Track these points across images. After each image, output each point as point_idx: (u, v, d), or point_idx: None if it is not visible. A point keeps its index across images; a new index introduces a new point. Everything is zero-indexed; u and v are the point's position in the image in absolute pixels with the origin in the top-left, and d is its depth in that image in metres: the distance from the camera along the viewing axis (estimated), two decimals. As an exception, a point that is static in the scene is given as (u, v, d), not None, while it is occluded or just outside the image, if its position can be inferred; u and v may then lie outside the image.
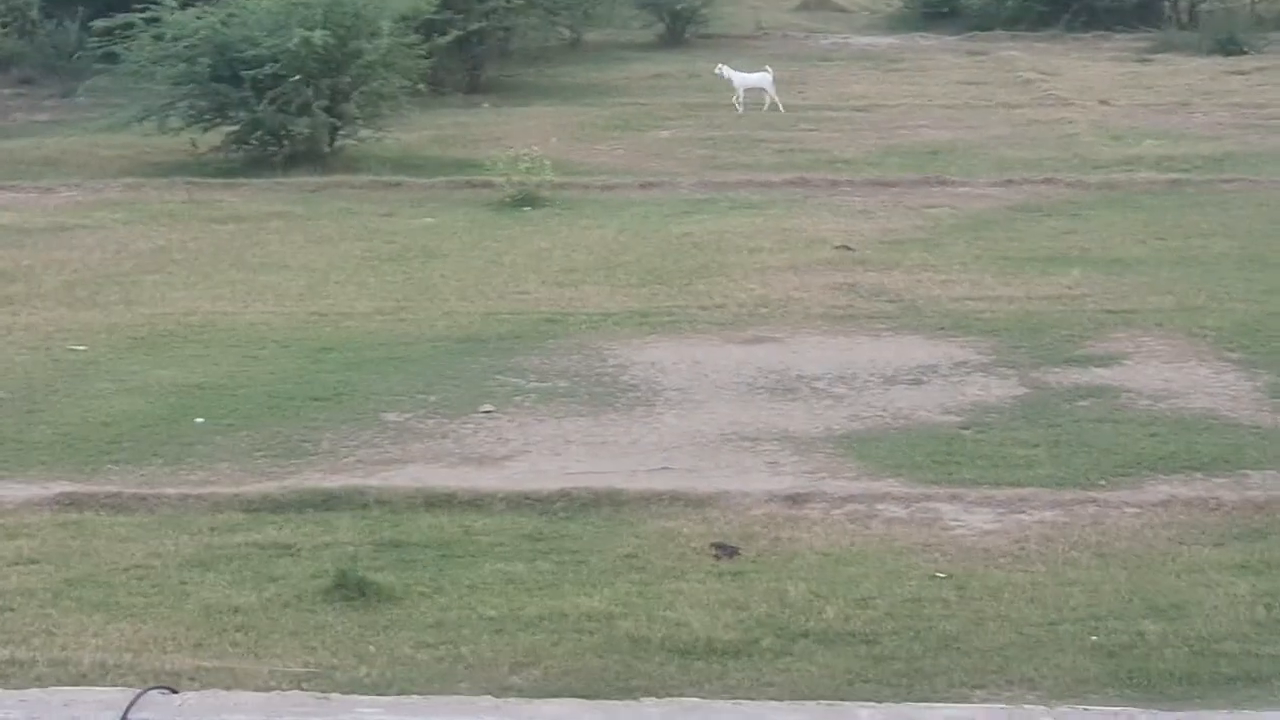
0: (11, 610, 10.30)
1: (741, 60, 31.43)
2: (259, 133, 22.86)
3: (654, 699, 6.74)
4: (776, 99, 26.94)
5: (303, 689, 7.94)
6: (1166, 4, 34.74)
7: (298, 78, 22.49)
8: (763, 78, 27.12)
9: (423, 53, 24.60)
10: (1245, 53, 31.72)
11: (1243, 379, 14.03)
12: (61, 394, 13.79)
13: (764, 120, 26.23)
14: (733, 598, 10.01)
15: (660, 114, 26.55)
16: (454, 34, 26.49)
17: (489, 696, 6.91)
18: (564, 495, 11.27)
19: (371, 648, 9.21)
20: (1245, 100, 27.58)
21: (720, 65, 27.24)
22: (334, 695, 6.93)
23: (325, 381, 13.67)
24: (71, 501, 11.66)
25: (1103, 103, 27.76)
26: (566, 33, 31.24)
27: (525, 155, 21.16)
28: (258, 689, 7.82)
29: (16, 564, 10.69)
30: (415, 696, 7.29)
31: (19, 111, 27.44)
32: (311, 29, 22.08)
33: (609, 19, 32.08)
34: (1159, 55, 31.70)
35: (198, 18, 23.74)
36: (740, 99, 26.72)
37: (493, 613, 9.65)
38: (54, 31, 28.62)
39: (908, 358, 14.47)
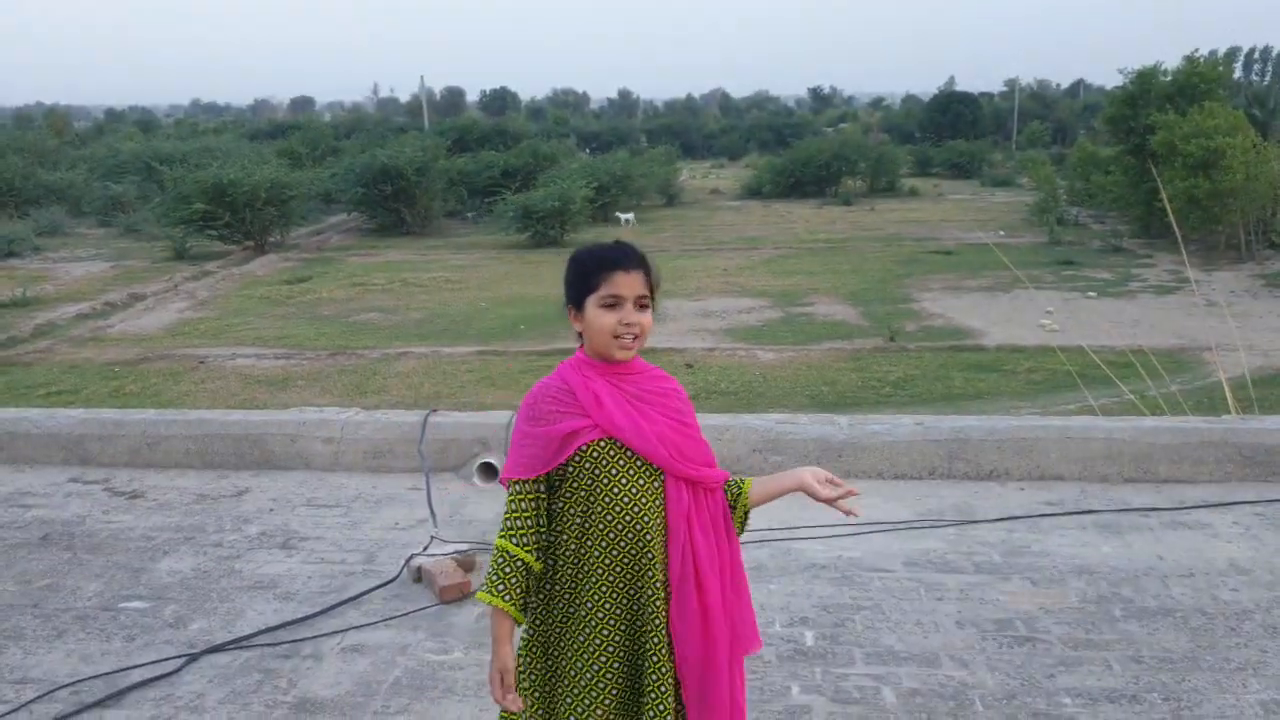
0: (463, 387, 10.30)
1: (692, 211, 31.18)
2: (534, 233, 22.82)
3: None
4: (635, 223, 26.52)
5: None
6: (829, 189, 34.30)
7: (553, 215, 22.55)
8: (630, 216, 26.78)
9: (589, 206, 24.51)
10: (851, 204, 31.40)
11: (853, 310, 14.00)
12: (475, 319, 13.71)
13: (707, 226, 25.97)
14: (692, 380, 10.09)
15: (668, 226, 26.32)
16: (600, 201, 26.35)
17: None
18: (637, 349, 11.39)
19: None
20: (854, 221, 27.26)
21: (618, 213, 26.77)
22: None
23: (557, 316, 13.72)
24: (480, 352, 11.64)
25: (805, 221, 27.53)
26: (639, 200, 30.73)
27: (623, 241, 21.29)
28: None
29: (457, 374, 10.72)
30: None
31: (459, 228, 27.22)
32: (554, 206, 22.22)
33: (648, 195, 31.75)
34: (825, 205, 31.30)
35: (518, 193, 23.64)
36: (626, 223, 26.36)
37: None
38: (466, 199, 28.40)
39: (742, 305, 14.42)
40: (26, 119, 68.93)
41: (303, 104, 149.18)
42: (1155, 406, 7.97)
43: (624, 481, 2.28)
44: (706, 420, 5.67)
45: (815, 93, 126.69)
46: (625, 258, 2.28)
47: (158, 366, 12.66)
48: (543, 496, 2.30)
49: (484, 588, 2.29)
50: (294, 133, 44.55)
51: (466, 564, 4.33)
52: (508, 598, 2.28)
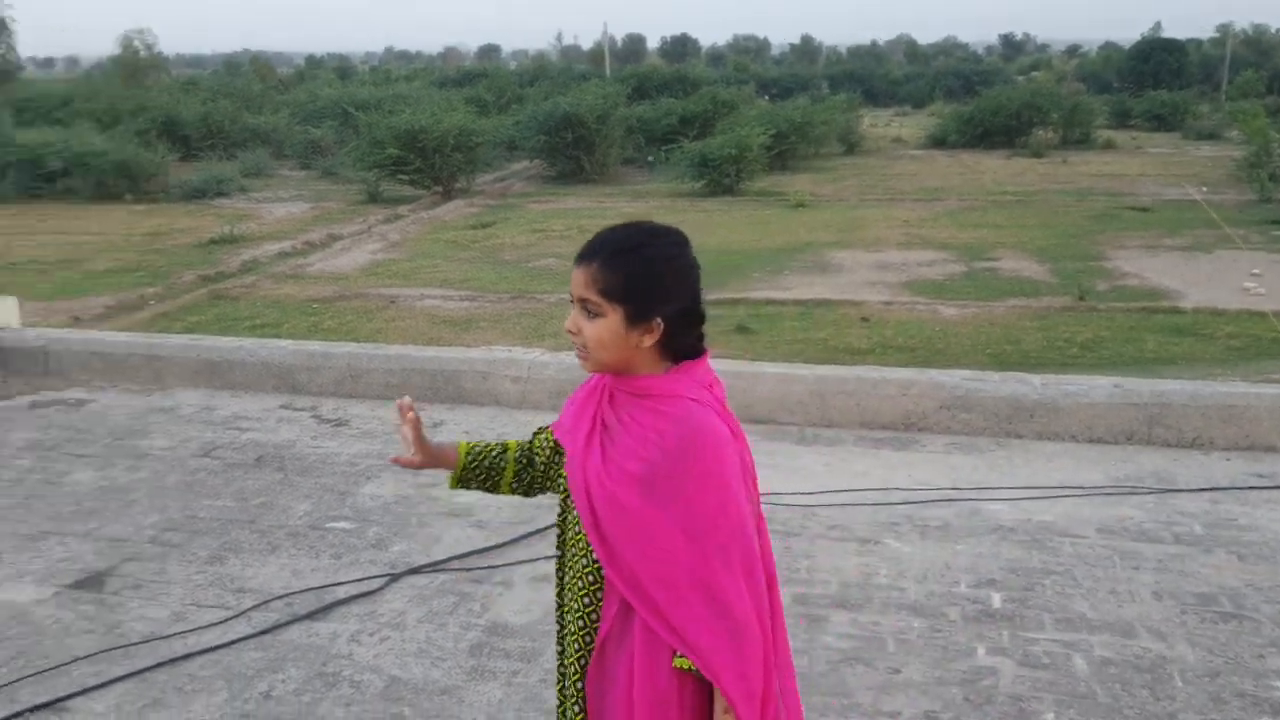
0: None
1: (872, 160, 30.37)
2: (709, 181, 22.49)
3: (844, 366, 6.66)
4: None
5: (733, 359, 7.87)
6: (1018, 140, 32.48)
7: (729, 163, 22.17)
8: None
9: (766, 155, 23.98)
10: (1042, 156, 29.82)
11: (1041, 267, 13.39)
12: None
13: (887, 176, 25.25)
14: (868, 334, 9.87)
15: (847, 175, 25.68)
16: (778, 149, 25.72)
17: (803, 364, 6.79)
18: (808, 300, 11.11)
19: (753, 345, 9.20)
20: (1044, 174, 25.93)
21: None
22: (744, 360, 6.80)
23: (730, 264, 13.50)
24: None
25: (992, 172, 26.38)
26: (818, 148, 29.81)
27: (800, 190, 20.79)
28: (718, 357, 7.85)
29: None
30: (798, 363, 7.13)
31: (637, 176, 27.16)
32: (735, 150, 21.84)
33: (827, 143, 30.76)
34: (1013, 157, 29.87)
35: (694, 140, 23.43)
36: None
37: (788, 337, 9.57)
38: (644, 146, 28.35)
39: (922, 258, 13.97)
40: (235, 66, 72.59)
41: (489, 52, 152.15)
42: (1378, 379, 7.38)
43: (569, 522, 1.91)
44: (889, 375, 5.59)
45: (1007, 39, 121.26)
46: (586, 248, 1.81)
47: (352, 304, 13.23)
48: (546, 448, 2.05)
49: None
50: (481, 80, 45.47)
51: (649, 505, 4.40)
52: (469, 444, 2.10)
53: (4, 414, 5.93)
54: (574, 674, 1.87)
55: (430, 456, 2.08)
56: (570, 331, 1.81)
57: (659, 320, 1.77)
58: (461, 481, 2.11)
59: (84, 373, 6.52)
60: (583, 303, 1.77)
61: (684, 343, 1.82)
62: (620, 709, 1.79)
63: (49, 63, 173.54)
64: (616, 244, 1.77)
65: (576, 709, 1.87)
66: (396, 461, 2.09)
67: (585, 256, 1.78)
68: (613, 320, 1.75)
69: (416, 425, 2.03)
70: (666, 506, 1.71)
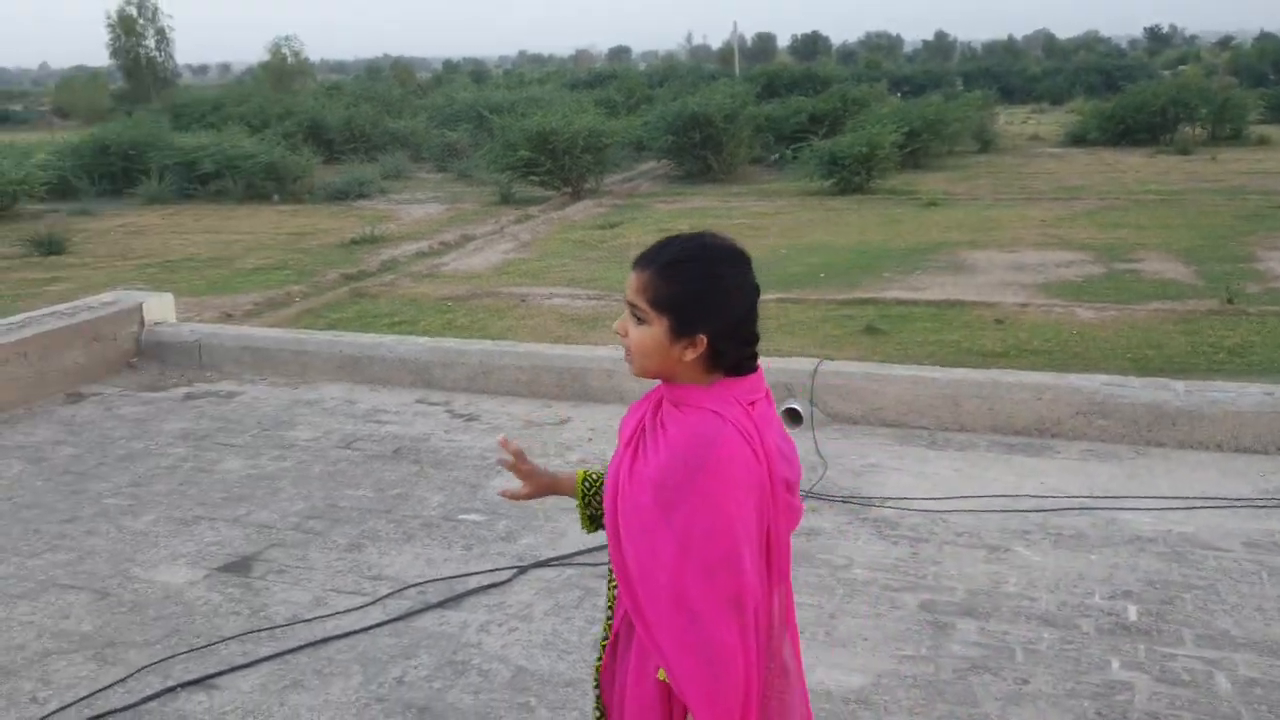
0: (762, 334, 10.36)
1: (1008, 158, 29.51)
2: (838, 180, 22.09)
3: (977, 369, 6.48)
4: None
5: (863, 361, 7.74)
6: (1163, 137, 31.00)
7: (859, 162, 21.70)
8: None
9: (898, 153, 23.41)
10: (1189, 154, 28.37)
11: (1186, 269, 12.81)
12: (775, 265, 13.49)
13: (1024, 174, 24.50)
14: (1002, 337, 9.59)
15: (982, 174, 24.96)
16: (910, 147, 25.12)
17: (934, 366, 6.63)
18: (940, 301, 10.81)
19: (883, 347, 9.05)
20: (1191, 172, 24.75)
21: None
22: (874, 362, 6.69)
23: (860, 264, 13.26)
24: (780, 300, 11.46)
25: (1135, 170, 25.28)
26: (952, 146, 28.93)
27: (933, 189, 20.32)
28: (847, 358, 7.75)
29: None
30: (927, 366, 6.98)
31: (764, 175, 26.90)
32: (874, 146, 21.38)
33: (961, 141, 29.87)
34: (1158, 155, 28.58)
35: (824, 139, 22.99)
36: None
37: (919, 338, 9.30)
38: (772, 144, 28.02)
39: (1060, 259, 13.52)
40: (376, 71, 74.99)
41: (619, 53, 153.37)
42: None
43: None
44: (1024, 378, 5.43)
45: (1152, 32, 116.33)
46: (644, 253, 1.81)
47: (484, 303, 13.50)
48: None
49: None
50: (611, 82, 45.86)
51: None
52: (585, 472, 2.11)
53: (160, 405, 6.27)
54: (596, 668, 1.96)
55: (540, 486, 2.13)
56: (618, 333, 1.82)
57: (703, 336, 1.75)
58: (592, 520, 2.12)
59: (235, 366, 6.85)
60: (632, 307, 1.78)
61: (731, 360, 1.78)
62: (618, 708, 1.85)
63: (203, 69, 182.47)
64: (673, 255, 1.77)
65: (594, 706, 1.97)
66: (504, 494, 2.15)
67: (641, 262, 1.79)
68: (657, 330, 1.75)
69: (519, 458, 2.08)
70: (668, 514, 1.68)
